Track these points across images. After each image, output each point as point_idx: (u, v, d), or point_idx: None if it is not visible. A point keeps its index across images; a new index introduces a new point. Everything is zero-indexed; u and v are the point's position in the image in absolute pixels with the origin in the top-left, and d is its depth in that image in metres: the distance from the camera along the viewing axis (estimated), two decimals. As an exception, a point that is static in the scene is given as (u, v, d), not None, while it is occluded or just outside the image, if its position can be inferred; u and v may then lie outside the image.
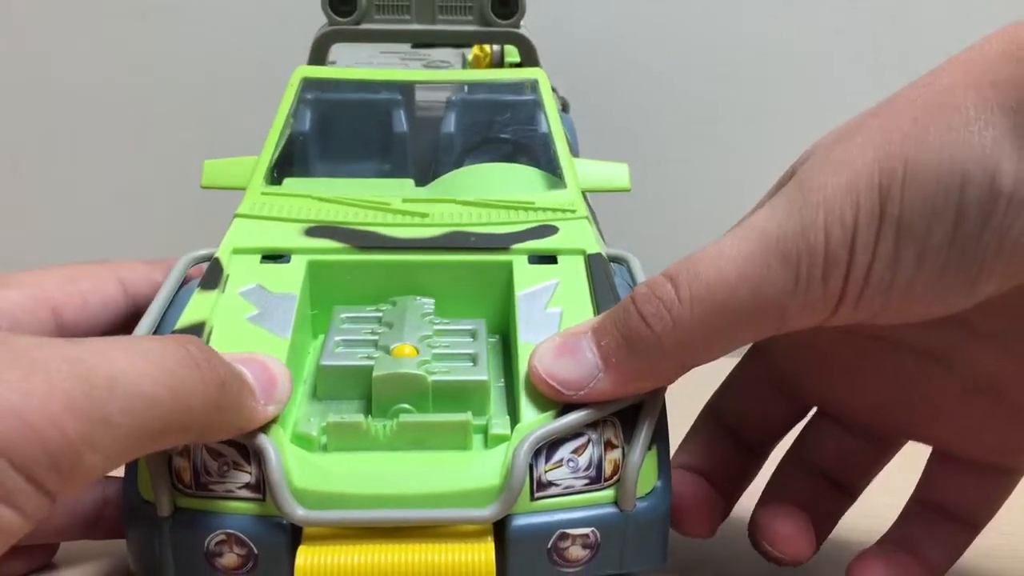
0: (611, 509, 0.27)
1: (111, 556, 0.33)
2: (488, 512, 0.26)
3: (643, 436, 0.27)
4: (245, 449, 0.27)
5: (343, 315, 0.32)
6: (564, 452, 0.27)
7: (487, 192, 0.37)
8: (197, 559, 0.27)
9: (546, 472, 0.27)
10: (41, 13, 0.66)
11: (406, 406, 0.28)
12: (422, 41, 0.48)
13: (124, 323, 0.33)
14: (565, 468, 0.27)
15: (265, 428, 0.27)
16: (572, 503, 0.27)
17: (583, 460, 0.27)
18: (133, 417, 0.22)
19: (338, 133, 0.43)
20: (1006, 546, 0.36)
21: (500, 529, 0.27)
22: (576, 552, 0.27)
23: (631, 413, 0.28)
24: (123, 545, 0.29)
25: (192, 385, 0.24)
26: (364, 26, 0.47)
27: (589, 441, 0.27)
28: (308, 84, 0.43)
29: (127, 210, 0.70)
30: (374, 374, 0.28)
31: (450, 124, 0.43)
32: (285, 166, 0.40)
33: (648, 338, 0.27)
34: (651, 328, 0.27)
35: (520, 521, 0.27)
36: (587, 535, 0.27)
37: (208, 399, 0.24)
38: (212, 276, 0.32)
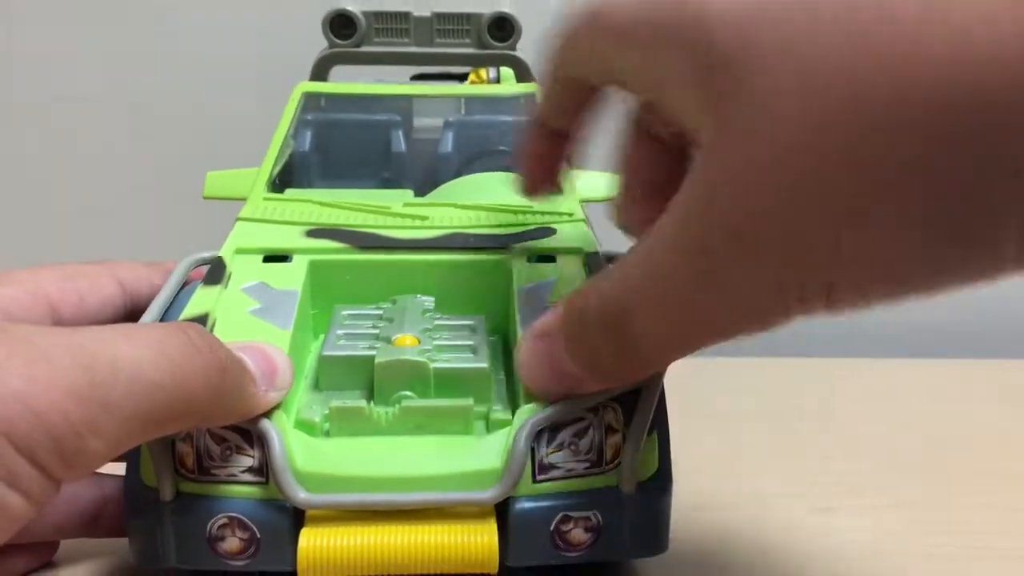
0: (612, 493, 0.27)
1: (112, 555, 0.33)
2: (490, 494, 0.26)
3: (642, 420, 0.27)
4: (248, 434, 0.27)
5: (345, 312, 0.33)
6: (565, 436, 0.27)
7: (486, 199, 0.38)
8: (199, 544, 0.27)
9: (548, 455, 0.27)
10: (42, 13, 0.66)
11: (408, 393, 0.28)
12: (421, 63, 0.49)
13: (122, 323, 0.33)
14: (566, 451, 0.27)
15: (268, 414, 0.27)
16: (574, 486, 0.27)
17: (584, 444, 0.27)
18: (135, 402, 0.22)
19: (337, 153, 0.44)
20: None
21: (502, 512, 0.27)
22: (578, 536, 0.27)
23: (631, 398, 0.28)
24: (124, 544, 0.28)
25: (193, 370, 0.24)
26: (364, 48, 0.48)
27: (590, 425, 0.27)
28: (309, 104, 0.44)
29: (127, 212, 0.69)
30: (376, 361, 0.28)
31: (447, 144, 0.44)
32: (286, 182, 0.41)
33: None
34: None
35: (522, 503, 0.27)
36: (588, 518, 0.27)
37: (209, 384, 0.24)
38: (215, 273, 0.32)
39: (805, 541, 0.34)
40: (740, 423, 0.42)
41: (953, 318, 0.58)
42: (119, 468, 0.28)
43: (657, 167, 0.28)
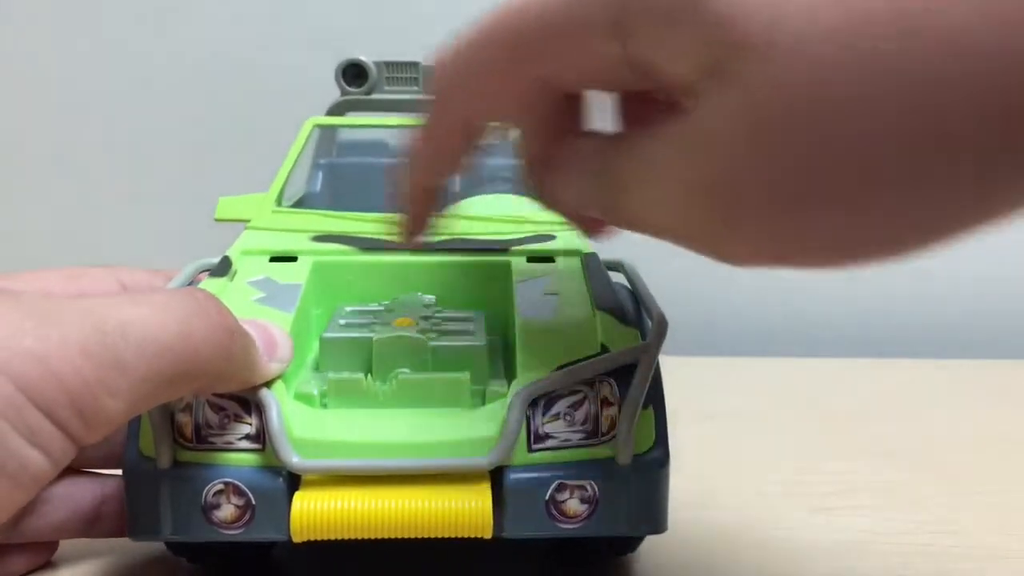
0: (608, 464, 0.27)
1: (111, 555, 0.32)
2: (485, 459, 0.26)
3: (638, 391, 0.27)
4: (247, 402, 0.27)
5: (348, 309, 0.33)
6: (561, 407, 0.27)
7: (488, 212, 0.39)
8: (194, 513, 0.27)
9: (544, 424, 0.27)
10: (44, 13, 0.68)
11: (406, 370, 0.29)
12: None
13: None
14: (562, 422, 0.27)
15: (267, 384, 0.27)
16: (569, 456, 0.27)
17: (580, 415, 0.27)
18: (147, 362, 0.23)
19: (346, 191, 0.45)
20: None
21: (498, 481, 0.27)
22: (574, 506, 0.27)
23: (627, 372, 0.28)
24: (124, 544, 0.28)
25: (202, 332, 0.24)
26: (375, 96, 0.50)
27: (585, 398, 0.28)
28: (321, 147, 0.45)
29: (128, 214, 0.70)
30: (375, 338, 0.29)
31: (455, 184, 0.45)
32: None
33: None
34: None
35: (517, 472, 0.27)
36: (584, 487, 0.27)
37: (218, 346, 0.25)
38: (222, 268, 0.33)
39: (805, 541, 0.33)
40: (740, 423, 0.42)
41: (954, 318, 0.58)
42: (118, 470, 0.28)
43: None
